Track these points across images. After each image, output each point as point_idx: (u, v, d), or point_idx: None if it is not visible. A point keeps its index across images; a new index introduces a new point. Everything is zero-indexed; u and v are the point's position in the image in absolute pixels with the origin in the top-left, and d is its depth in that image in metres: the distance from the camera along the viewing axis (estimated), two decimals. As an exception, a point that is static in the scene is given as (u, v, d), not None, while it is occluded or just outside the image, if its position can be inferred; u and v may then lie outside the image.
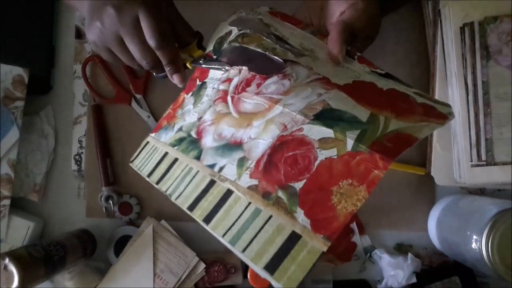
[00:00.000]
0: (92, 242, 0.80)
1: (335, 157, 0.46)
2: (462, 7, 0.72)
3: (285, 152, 0.50)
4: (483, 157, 0.71)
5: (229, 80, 0.63)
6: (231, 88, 0.62)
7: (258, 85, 0.58)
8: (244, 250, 0.47)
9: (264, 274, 0.45)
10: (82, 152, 0.83)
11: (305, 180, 0.47)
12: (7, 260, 0.64)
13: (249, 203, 0.49)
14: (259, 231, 0.47)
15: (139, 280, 0.77)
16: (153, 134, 0.70)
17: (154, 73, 0.65)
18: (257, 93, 0.58)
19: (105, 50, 0.61)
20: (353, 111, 0.49)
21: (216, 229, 0.50)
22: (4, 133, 0.77)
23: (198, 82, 0.69)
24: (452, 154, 0.75)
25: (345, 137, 0.47)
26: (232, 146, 0.56)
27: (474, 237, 0.66)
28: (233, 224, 0.49)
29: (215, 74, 0.66)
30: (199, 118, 0.63)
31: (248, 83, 0.60)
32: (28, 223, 0.79)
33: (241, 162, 0.53)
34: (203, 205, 0.53)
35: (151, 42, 0.58)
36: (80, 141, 0.83)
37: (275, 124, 0.53)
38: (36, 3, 0.81)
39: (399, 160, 0.81)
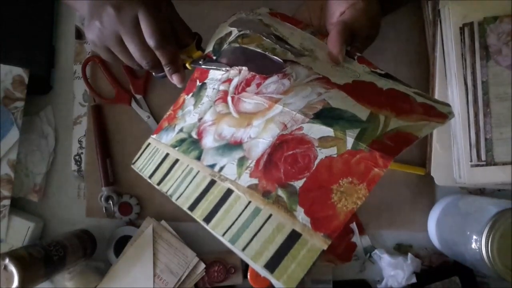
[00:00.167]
0: (92, 242, 0.80)
1: (335, 155, 0.47)
2: (462, 7, 0.72)
3: (285, 151, 0.50)
4: (483, 157, 0.72)
5: (229, 80, 0.63)
6: (231, 89, 0.62)
7: (258, 85, 0.58)
8: (244, 249, 0.47)
9: (264, 273, 0.45)
10: (82, 152, 0.83)
11: (305, 179, 0.47)
12: (7, 260, 0.64)
13: (249, 202, 0.49)
14: (259, 229, 0.47)
15: (139, 280, 0.77)
16: (154, 136, 0.70)
17: (153, 73, 0.65)
18: (257, 93, 0.58)
19: (105, 49, 0.61)
20: (353, 110, 0.49)
21: (216, 228, 0.50)
22: (4, 133, 0.77)
23: (198, 83, 0.69)
24: (452, 154, 0.75)
25: (345, 136, 0.47)
26: (232, 146, 0.56)
27: (474, 237, 0.66)
28: (233, 223, 0.49)
29: (215, 75, 0.66)
30: (200, 119, 0.63)
31: (248, 83, 0.60)
32: (28, 223, 0.79)
33: (241, 161, 0.53)
34: (204, 205, 0.53)
35: (150, 41, 0.58)
36: (80, 141, 0.83)
37: (275, 123, 0.53)
38: (36, 3, 0.81)
39: (399, 160, 0.81)
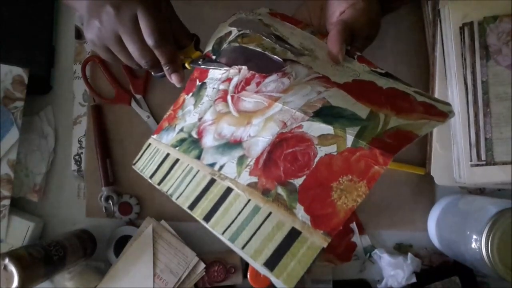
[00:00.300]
0: (92, 242, 0.80)
1: (335, 153, 0.47)
2: (462, 7, 0.72)
3: (285, 149, 0.50)
4: (483, 157, 0.71)
5: (229, 79, 0.63)
6: (231, 88, 0.62)
7: (258, 84, 0.58)
8: (243, 247, 0.47)
9: (264, 271, 0.45)
10: (82, 152, 0.83)
11: (304, 177, 0.47)
12: (7, 260, 0.64)
13: (249, 200, 0.49)
14: (259, 227, 0.47)
15: (139, 280, 0.77)
16: (154, 136, 0.70)
17: (152, 73, 0.65)
18: (256, 92, 0.58)
19: (104, 49, 0.61)
20: (353, 108, 0.49)
21: (216, 227, 0.50)
22: (4, 133, 0.77)
23: (197, 83, 0.69)
24: (452, 154, 0.75)
25: (345, 134, 0.47)
26: (232, 144, 0.56)
27: (474, 237, 0.66)
28: (232, 222, 0.49)
29: (215, 74, 0.66)
30: (200, 119, 0.63)
31: (247, 82, 0.60)
32: (28, 223, 0.79)
33: (241, 160, 0.53)
34: (203, 203, 0.53)
35: (149, 41, 0.58)
36: (80, 141, 0.83)
37: (275, 122, 0.53)
38: (36, 3, 0.81)
39: (399, 160, 0.81)
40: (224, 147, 0.56)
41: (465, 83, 0.72)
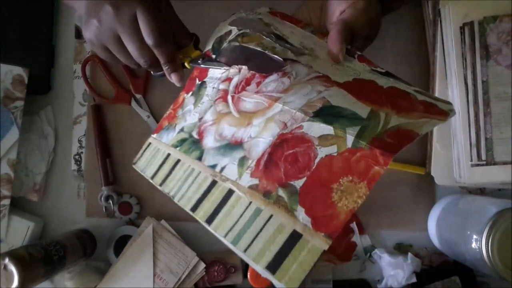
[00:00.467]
0: (92, 242, 0.80)
1: (335, 154, 0.46)
2: (462, 7, 0.72)
3: (285, 150, 0.50)
4: (483, 157, 0.71)
5: (229, 79, 0.63)
6: (231, 88, 0.61)
7: (258, 84, 0.58)
8: (245, 250, 0.47)
9: (265, 274, 0.45)
10: (82, 152, 0.83)
11: (305, 178, 0.47)
12: (7, 260, 0.64)
13: (250, 203, 0.49)
14: (260, 230, 0.47)
15: (139, 280, 0.77)
16: (154, 135, 0.70)
17: (152, 72, 0.65)
18: (257, 92, 0.57)
19: (102, 48, 0.61)
20: (353, 107, 0.49)
21: (218, 230, 0.50)
22: (4, 133, 0.77)
23: (197, 82, 0.69)
24: (452, 153, 0.75)
25: (345, 134, 0.46)
26: (233, 145, 0.56)
27: (474, 236, 0.66)
28: (234, 224, 0.49)
29: (215, 73, 0.66)
30: (200, 119, 0.63)
31: (248, 82, 0.60)
32: (28, 223, 0.79)
33: (242, 161, 0.53)
34: (205, 206, 0.53)
35: (149, 40, 0.58)
36: (80, 141, 0.83)
37: (275, 122, 0.52)
38: (36, 3, 0.81)
39: (399, 160, 0.81)
40: (225, 148, 0.56)
41: (466, 83, 0.72)
